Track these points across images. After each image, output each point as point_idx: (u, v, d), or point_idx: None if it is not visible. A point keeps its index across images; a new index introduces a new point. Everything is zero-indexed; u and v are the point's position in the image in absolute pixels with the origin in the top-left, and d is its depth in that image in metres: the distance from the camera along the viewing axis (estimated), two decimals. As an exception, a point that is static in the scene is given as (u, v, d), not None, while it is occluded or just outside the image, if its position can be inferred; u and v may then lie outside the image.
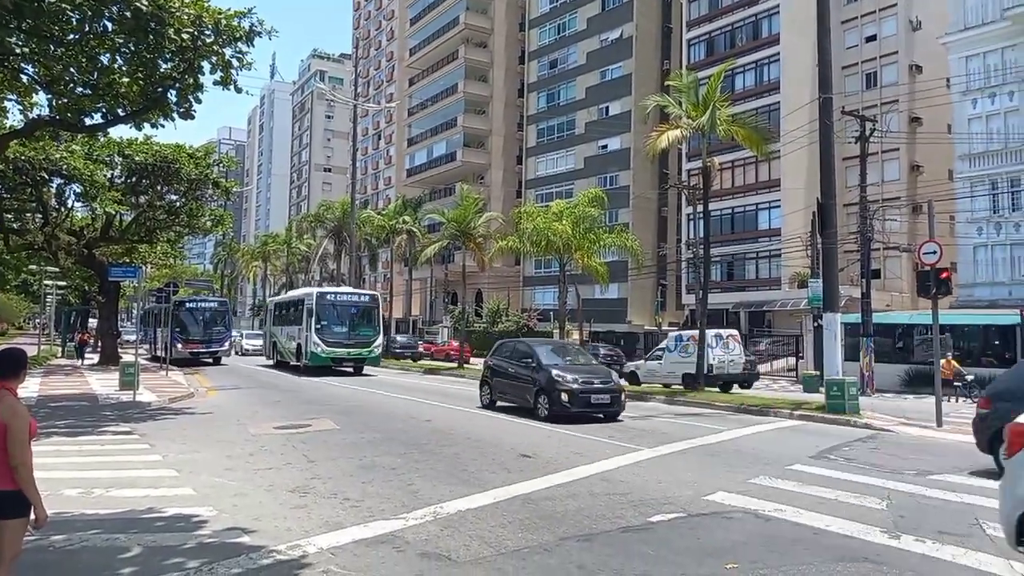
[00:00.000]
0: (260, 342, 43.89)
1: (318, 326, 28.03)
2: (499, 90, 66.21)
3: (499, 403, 17.05)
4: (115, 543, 6.11)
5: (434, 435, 12.49)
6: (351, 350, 28.51)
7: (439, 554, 5.88)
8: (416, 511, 7.19)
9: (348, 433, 12.58)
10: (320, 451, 10.75)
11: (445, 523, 6.78)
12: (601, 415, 15.00)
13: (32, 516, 4.01)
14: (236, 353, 43.35)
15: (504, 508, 7.35)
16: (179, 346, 32.65)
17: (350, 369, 29.11)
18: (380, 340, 30.22)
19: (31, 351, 29.82)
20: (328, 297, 29.75)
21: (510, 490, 8.13)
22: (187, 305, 35.35)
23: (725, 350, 24.21)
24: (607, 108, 55.77)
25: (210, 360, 34.01)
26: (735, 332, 26.42)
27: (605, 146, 55.59)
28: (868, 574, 5.51)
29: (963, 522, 6.96)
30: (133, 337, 33.77)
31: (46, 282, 40.40)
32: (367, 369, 30.05)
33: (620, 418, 15.23)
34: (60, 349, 42.44)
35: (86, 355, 35.11)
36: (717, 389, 22.88)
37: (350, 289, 34.95)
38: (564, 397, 14.57)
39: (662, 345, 26.78)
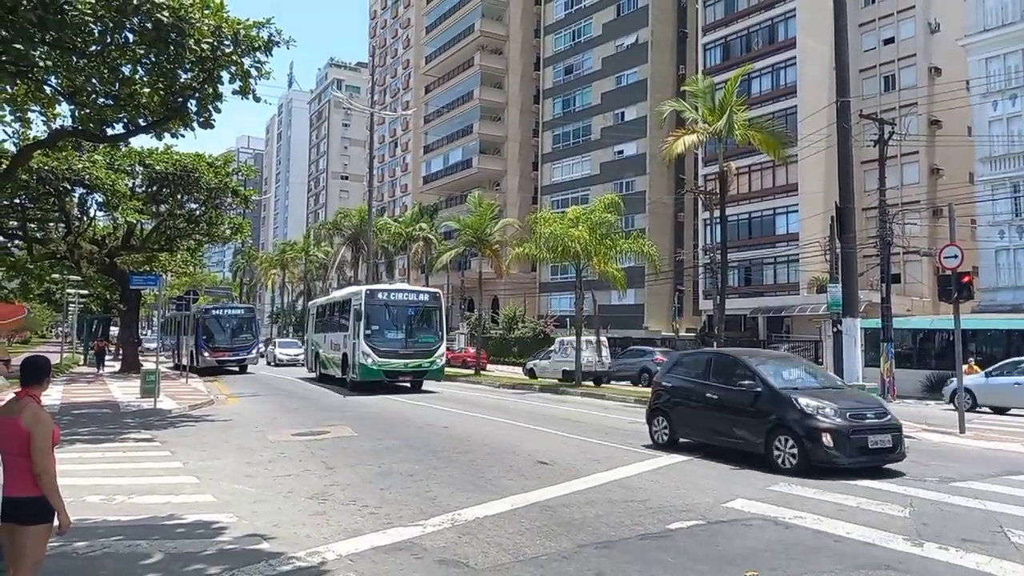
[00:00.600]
0: (296, 351, 42.64)
1: (368, 332, 23.04)
2: (515, 96, 66.37)
3: (683, 440, 11.95)
4: (137, 549, 6.18)
5: (450, 441, 12.51)
6: (409, 361, 23.40)
7: (457, 561, 5.88)
8: (434, 518, 7.20)
9: (366, 440, 12.63)
10: (338, 458, 10.80)
11: (463, 530, 6.78)
12: (880, 463, 9.95)
13: (56, 522, 4.06)
14: (268, 363, 42.23)
15: (522, 515, 7.34)
16: (205, 354, 32.26)
17: (407, 384, 24.35)
18: (443, 348, 25.00)
19: (54, 359, 30.22)
20: (380, 296, 24.23)
21: (528, 497, 8.12)
22: (213, 312, 34.72)
23: (594, 353, 29.09)
24: (623, 113, 55.71)
25: (236, 368, 33.35)
26: (604, 339, 31.21)
27: (621, 151, 55.50)
28: (890, 582, 5.43)
29: (987, 530, 6.86)
30: (154, 345, 34.18)
31: (68, 291, 40.93)
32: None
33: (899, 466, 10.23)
34: (82, 357, 42.96)
35: (106, 363, 35.39)
36: (591, 383, 27.65)
37: (407, 286, 29.37)
38: (827, 440, 9.60)
39: (552, 348, 32.43)
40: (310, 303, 39.00)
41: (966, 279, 15.22)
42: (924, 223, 41.22)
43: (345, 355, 24.80)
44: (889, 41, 46.07)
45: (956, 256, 15.01)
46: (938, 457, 11.62)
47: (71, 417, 15.42)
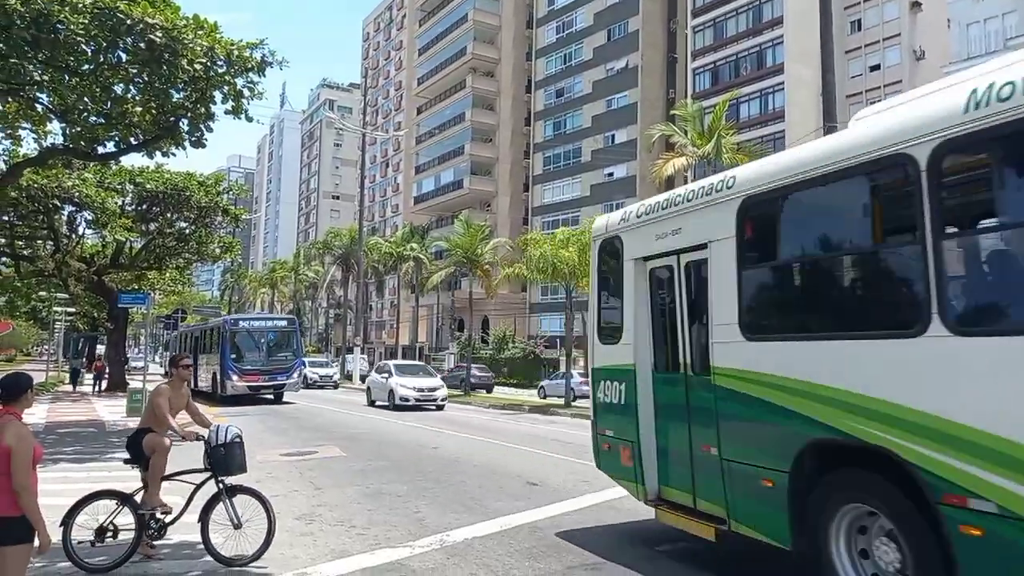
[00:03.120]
0: (328, 371, 39.82)
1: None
2: (506, 118, 66.86)
3: None
4: (121, 571, 6.10)
5: (440, 462, 12.44)
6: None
7: (445, 583, 5.84)
8: (423, 539, 7.16)
9: (355, 460, 12.55)
10: (327, 478, 10.72)
11: (451, 551, 6.74)
12: None
13: (35, 542, 4.01)
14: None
15: (511, 536, 7.30)
16: (234, 378, 25.93)
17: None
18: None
19: (38, 377, 29.91)
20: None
21: (517, 518, 8.08)
22: (242, 324, 28.22)
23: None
24: (613, 136, 56.20)
25: (271, 396, 27.19)
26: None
27: (611, 173, 55.91)
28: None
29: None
30: (141, 364, 33.77)
31: (55, 309, 40.63)
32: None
33: None
34: (69, 376, 42.55)
35: (85, 382, 34.75)
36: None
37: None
38: None
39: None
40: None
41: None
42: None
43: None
44: (875, 68, 46.83)
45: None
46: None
47: (55, 436, 15.25)
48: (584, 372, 31.98)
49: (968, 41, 38.52)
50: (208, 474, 6.41)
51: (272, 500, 9.02)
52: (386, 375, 26.50)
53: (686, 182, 48.01)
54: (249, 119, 14.94)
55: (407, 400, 24.78)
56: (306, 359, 37.15)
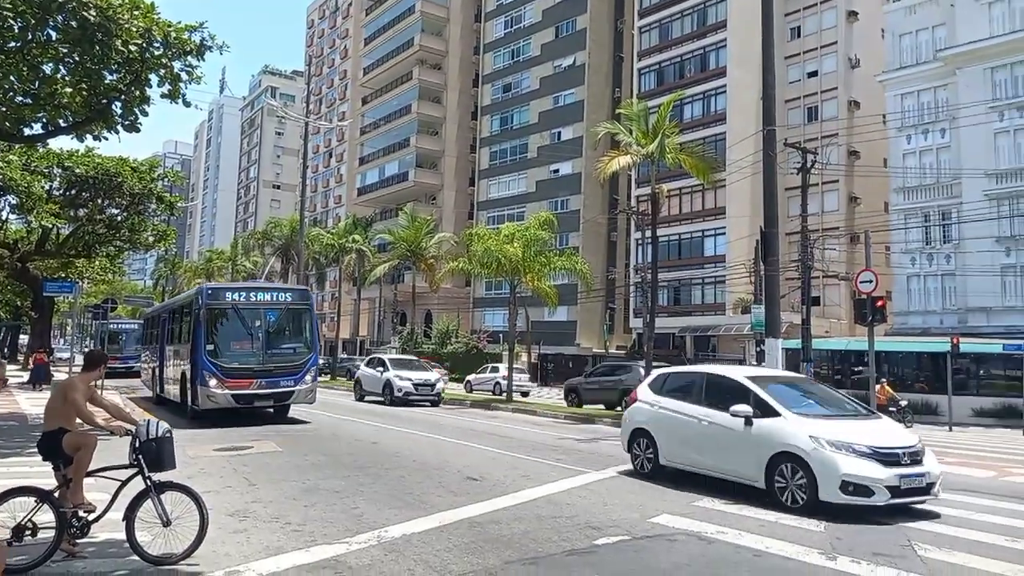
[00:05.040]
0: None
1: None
2: (453, 112, 66.56)
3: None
4: (42, 570, 5.86)
5: (379, 457, 12.33)
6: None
7: (382, 579, 5.79)
8: (360, 535, 7.07)
9: (291, 455, 12.33)
10: (262, 474, 10.50)
11: (389, 547, 6.69)
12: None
13: None
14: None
15: (450, 532, 7.28)
16: (211, 382, 16.34)
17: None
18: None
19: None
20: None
21: (456, 513, 8.06)
22: (227, 297, 17.68)
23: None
24: (559, 133, 56.54)
25: (270, 407, 17.94)
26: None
27: (557, 170, 56.26)
28: (806, 595, 5.57)
29: (896, 544, 7.17)
30: (67, 355, 32.50)
31: (-25, 296, 38.76)
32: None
33: None
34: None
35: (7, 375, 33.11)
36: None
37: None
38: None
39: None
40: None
41: (880, 303, 15.98)
42: (842, 249, 43.13)
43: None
44: (813, 74, 48.25)
45: (871, 281, 15.76)
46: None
47: (-27, 430, 14.55)
48: (524, 368, 32.10)
49: (901, 51, 40.05)
50: (134, 470, 6.20)
51: (204, 496, 8.84)
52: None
53: (630, 180, 48.82)
54: (187, 104, 14.47)
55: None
56: (389, 356, 30.17)
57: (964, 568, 6.37)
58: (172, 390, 19.59)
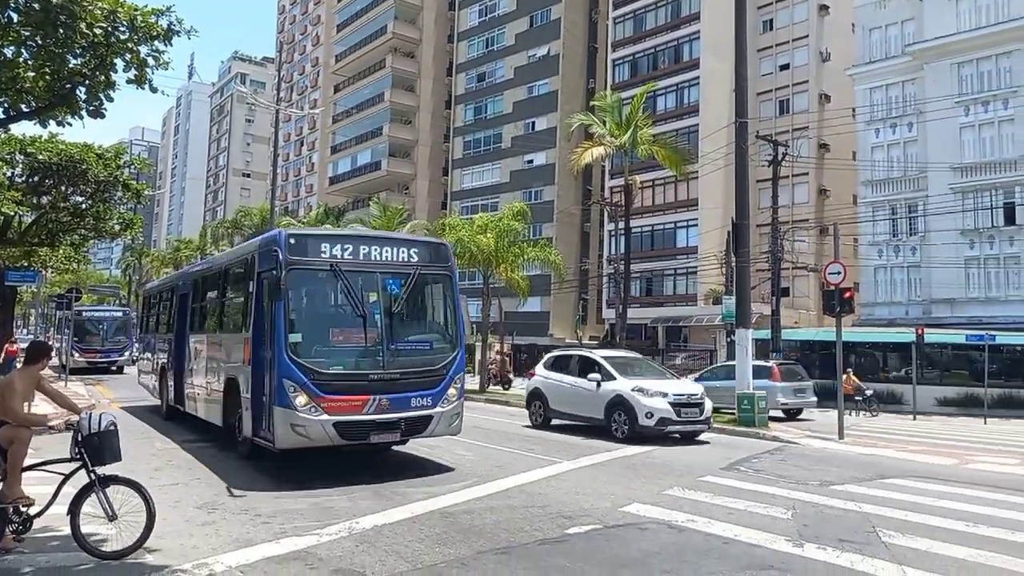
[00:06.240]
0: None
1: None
2: (426, 101, 66.11)
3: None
4: (3, 565, 5.74)
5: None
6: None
7: (353, 570, 5.77)
8: (331, 526, 7.04)
9: (262, 446, 12.19)
10: (231, 465, 10.40)
11: (360, 538, 6.66)
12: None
13: None
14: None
15: (422, 522, 7.28)
16: (298, 400, 9.17)
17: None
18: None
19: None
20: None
21: (428, 504, 8.06)
22: (325, 250, 9.93)
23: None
24: (533, 123, 56.44)
25: (396, 442, 10.96)
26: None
27: (531, 161, 56.19)
28: (773, 582, 5.66)
29: (861, 530, 7.31)
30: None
31: (-66, 285, 37.71)
32: None
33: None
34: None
35: None
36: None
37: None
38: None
39: None
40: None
41: (848, 295, 16.20)
42: (812, 241, 43.70)
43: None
44: (784, 67, 48.67)
45: (839, 272, 15.98)
46: (819, 462, 12.28)
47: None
48: (494, 358, 32.13)
49: (870, 45, 40.55)
50: (77, 464, 6.07)
51: (173, 489, 8.73)
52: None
53: (604, 171, 48.92)
54: (153, 90, 14.09)
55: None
56: (603, 353, 16.98)
57: (927, 553, 6.51)
58: (202, 408, 13.04)
